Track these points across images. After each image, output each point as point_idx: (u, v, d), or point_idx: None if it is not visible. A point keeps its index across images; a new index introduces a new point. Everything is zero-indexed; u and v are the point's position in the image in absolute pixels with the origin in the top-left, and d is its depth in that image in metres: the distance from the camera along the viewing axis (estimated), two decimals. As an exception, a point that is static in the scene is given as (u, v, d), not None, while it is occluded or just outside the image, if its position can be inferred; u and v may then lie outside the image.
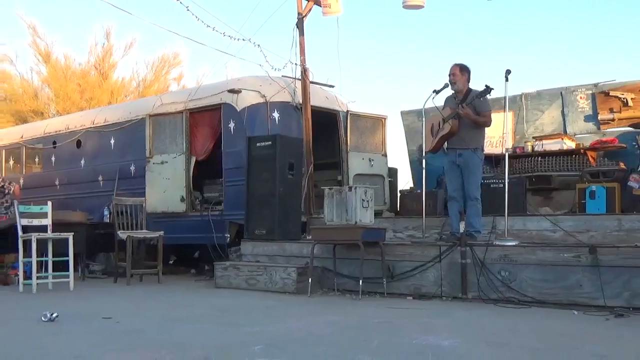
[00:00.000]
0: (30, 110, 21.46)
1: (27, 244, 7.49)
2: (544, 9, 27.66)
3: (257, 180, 8.22)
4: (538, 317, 5.27)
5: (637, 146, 8.34)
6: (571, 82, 10.39)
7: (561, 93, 10.28)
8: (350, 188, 7.09)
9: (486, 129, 7.07)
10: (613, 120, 9.55)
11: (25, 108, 21.56)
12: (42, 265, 7.64)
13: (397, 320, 5.23)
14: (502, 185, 7.19)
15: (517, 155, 9.45)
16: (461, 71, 6.87)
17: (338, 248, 7.16)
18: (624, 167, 8.35)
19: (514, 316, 5.38)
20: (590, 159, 8.98)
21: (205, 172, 9.84)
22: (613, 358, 3.66)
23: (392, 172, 11.02)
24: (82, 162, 11.34)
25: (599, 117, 9.59)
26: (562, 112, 10.25)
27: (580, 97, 10.04)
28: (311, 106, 9.41)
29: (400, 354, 3.82)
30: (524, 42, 29.02)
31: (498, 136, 9.35)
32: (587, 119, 9.98)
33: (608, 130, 9.63)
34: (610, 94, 9.50)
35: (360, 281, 6.63)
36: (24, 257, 7.55)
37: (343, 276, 7.10)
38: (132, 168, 10.23)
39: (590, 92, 9.91)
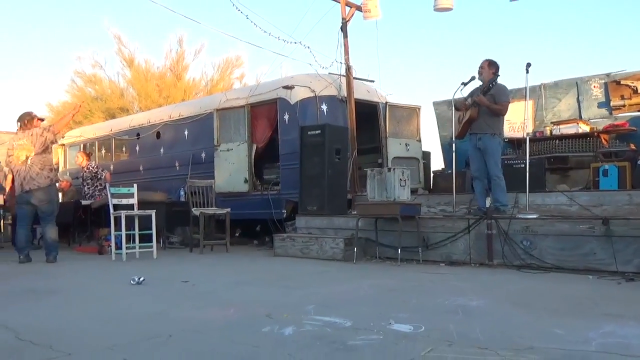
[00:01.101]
0: (118, 107, 21.94)
1: (117, 219, 7.71)
2: (562, 6, 26.86)
3: (309, 164, 8.25)
4: (556, 281, 5.19)
5: (646, 128, 8.10)
6: (585, 73, 10.12)
7: (576, 83, 10.03)
8: (389, 169, 7.06)
9: (509, 116, 6.98)
10: (624, 106, 9.31)
11: (114, 106, 22.06)
12: (130, 238, 7.83)
13: (431, 284, 5.22)
14: (523, 165, 7.07)
15: (537, 139, 9.27)
16: (489, 65, 6.78)
17: (379, 221, 7.15)
18: (634, 148, 8.13)
19: (534, 280, 5.31)
20: (603, 141, 8.78)
21: (264, 157, 9.93)
22: (625, 317, 3.57)
23: (426, 155, 10.95)
24: (161, 150, 11.57)
25: (611, 104, 9.34)
26: (578, 99, 10.01)
27: (594, 86, 9.77)
28: (354, 99, 9.39)
29: (435, 312, 3.82)
30: (543, 36, 28.29)
31: (520, 122, 9.17)
32: (600, 105, 9.73)
33: (619, 115, 9.39)
34: (621, 82, 9.24)
35: (399, 250, 6.62)
36: (115, 230, 7.79)
37: (384, 246, 7.10)
38: (203, 155, 10.38)
39: (603, 81, 9.64)
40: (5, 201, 10.54)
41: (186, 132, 10.95)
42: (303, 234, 7.95)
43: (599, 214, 6.29)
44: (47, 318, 3.88)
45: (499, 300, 4.25)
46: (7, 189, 9.25)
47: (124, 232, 7.61)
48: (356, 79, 9.76)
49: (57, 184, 8.15)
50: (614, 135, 8.88)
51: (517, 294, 4.62)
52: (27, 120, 7.57)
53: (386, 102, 10.22)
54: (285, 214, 8.88)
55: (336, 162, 8.25)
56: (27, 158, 7.32)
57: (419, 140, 10.69)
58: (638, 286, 4.83)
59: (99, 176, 10.37)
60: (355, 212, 7.70)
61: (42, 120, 7.90)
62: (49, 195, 7.46)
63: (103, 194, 9.45)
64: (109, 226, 7.91)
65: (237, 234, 10.37)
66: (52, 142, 7.68)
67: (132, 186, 8.26)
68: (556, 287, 4.87)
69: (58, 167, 9.18)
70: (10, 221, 10.78)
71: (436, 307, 4.01)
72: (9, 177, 9.14)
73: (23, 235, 7.58)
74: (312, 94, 9.16)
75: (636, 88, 8.98)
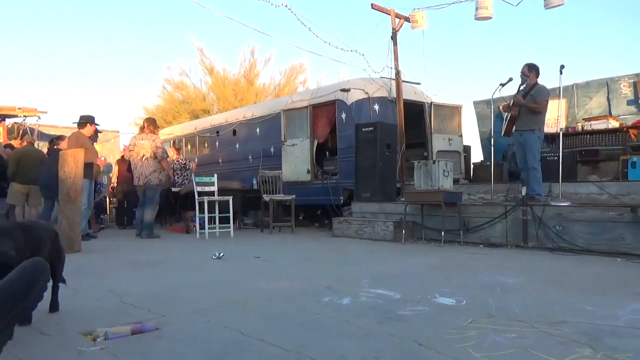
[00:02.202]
0: (201, 109, 22.47)
1: (201, 204, 7.94)
2: (594, 11, 25.54)
3: (363, 157, 8.23)
4: (586, 263, 4.99)
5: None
6: (615, 73, 9.60)
7: (607, 82, 9.55)
8: (434, 161, 6.97)
9: (545, 113, 6.74)
10: (652, 103, 8.80)
11: (197, 108, 22.61)
12: (211, 219, 8.04)
13: (471, 263, 5.12)
14: (557, 158, 6.81)
15: (570, 134, 8.92)
16: (529, 69, 6.59)
17: (425, 207, 7.07)
18: (661, 141, 7.67)
19: (566, 261, 5.12)
20: (632, 135, 8.35)
21: (324, 151, 9.97)
22: (652, 296, 3.41)
23: (467, 149, 10.72)
24: (237, 145, 11.79)
25: (640, 101, 8.84)
26: (608, 97, 9.54)
27: (624, 85, 9.28)
28: (403, 99, 9.29)
29: (475, 287, 3.76)
30: (575, 39, 27.02)
31: (553, 119, 8.80)
32: (630, 103, 9.25)
33: (648, 111, 8.88)
34: (650, 81, 8.72)
35: (442, 232, 6.53)
36: (199, 213, 8.02)
37: (429, 229, 7.02)
38: (272, 149, 10.51)
39: (632, 80, 9.14)
40: (112, 189, 11.05)
41: (258, 130, 11.11)
42: (358, 218, 7.95)
43: (628, 202, 5.99)
44: (145, 285, 4.05)
45: (534, 279, 4.13)
46: (114, 179, 9.66)
47: (206, 215, 7.84)
48: (404, 82, 9.64)
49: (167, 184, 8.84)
50: (643, 130, 8.42)
51: (550, 273, 4.47)
52: (152, 125, 8.40)
53: (431, 102, 10.05)
54: (342, 200, 8.90)
55: (387, 155, 8.19)
56: (143, 156, 8.04)
57: (461, 136, 10.45)
58: (665, 268, 4.59)
59: (187, 167, 10.71)
60: (404, 199, 7.63)
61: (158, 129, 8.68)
62: (155, 192, 8.16)
63: (189, 183, 9.74)
64: (194, 210, 8.16)
65: (300, 217, 10.47)
66: (156, 158, 8.18)
67: (213, 176, 8.48)
68: (586, 268, 4.68)
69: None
70: (116, 205, 11.25)
71: (476, 283, 3.94)
72: (115, 168, 9.55)
73: (140, 216, 8.28)
74: (365, 96, 9.12)
75: (665, 86, 8.46)
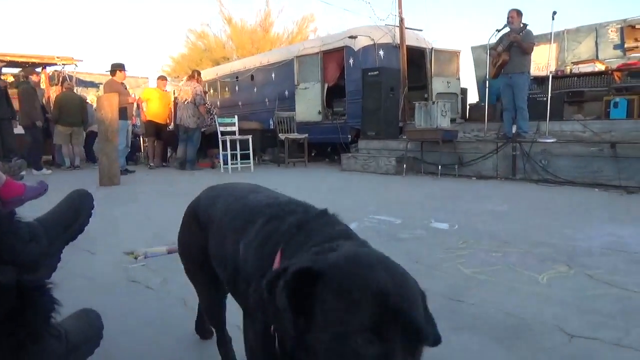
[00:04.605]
0: (221, 57, 22.01)
1: (224, 142, 7.95)
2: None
3: (369, 99, 8.09)
4: (568, 193, 4.99)
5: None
6: (605, 20, 9.14)
7: (596, 28, 9.10)
8: (433, 102, 6.86)
9: (535, 57, 6.49)
10: (637, 47, 8.39)
11: (218, 56, 22.12)
12: (233, 156, 8.08)
13: (465, 193, 5.14)
14: (545, 98, 6.64)
15: (559, 76, 8.60)
16: (517, 14, 6.27)
17: (424, 144, 7.01)
18: (644, 83, 7.39)
19: (549, 192, 5.12)
20: (616, 78, 8.03)
21: (334, 93, 9.81)
22: (624, 221, 3.42)
23: (463, 91, 10.45)
24: (255, 90, 11.61)
25: (625, 45, 8.46)
26: (596, 42, 9.13)
27: (611, 30, 8.85)
28: (406, 45, 8.98)
29: (467, 214, 3.79)
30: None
31: (544, 62, 8.50)
32: (616, 47, 8.85)
33: (632, 55, 8.49)
34: (636, 26, 8.27)
35: (439, 166, 6.52)
36: (222, 151, 8.05)
37: (427, 163, 7.00)
38: (286, 92, 10.35)
39: (620, 26, 8.69)
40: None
41: (273, 75, 10.89)
42: (363, 154, 7.93)
43: (608, 139, 5.88)
44: (177, 212, 4.12)
45: (519, 207, 4.16)
46: (144, 118, 9.53)
47: (229, 152, 7.87)
48: (407, 28, 9.27)
49: (203, 126, 8.93)
50: (626, 72, 8.08)
51: (534, 202, 4.49)
52: (197, 74, 8.83)
53: (432, 48, 9.71)
54: (350, 138, 8.84)
55: (390, 97, 8.04)
56: (185, 100, 8.42)
57: (458, 79, 10.18)
58: (637, 198, 4.57)
59: (212, 110, 10.62)
60: (405, 137, 7.57)
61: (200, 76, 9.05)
62: (194, 133, 8.48)
63: (213, 123, 9.72)
64: (218, 147, 8.20)
65: (313, 154, 10.48)
66: (194, 102, 8.44)
67: (234, 117, 8.44)
68: (567, 197, 4.69)
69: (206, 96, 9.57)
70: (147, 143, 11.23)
71: (468, 210, 3.98)
72: (144, 106, 9.38)
73: (181, 152, 8.60)
74: (371, 42, 8.83)
75: (647, 31, 8.05)
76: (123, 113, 7.23)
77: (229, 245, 1.04)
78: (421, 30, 9.91)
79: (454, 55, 10.14)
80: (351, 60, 8.92)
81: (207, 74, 14.65)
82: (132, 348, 1.54)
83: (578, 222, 3.39)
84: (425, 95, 9.40)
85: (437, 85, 9.63)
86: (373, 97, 7.99)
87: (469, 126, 8.15)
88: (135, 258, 2.60)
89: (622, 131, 6.20)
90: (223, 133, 8.06)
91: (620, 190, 4.90)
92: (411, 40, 9.33)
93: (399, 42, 8.96)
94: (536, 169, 5.80)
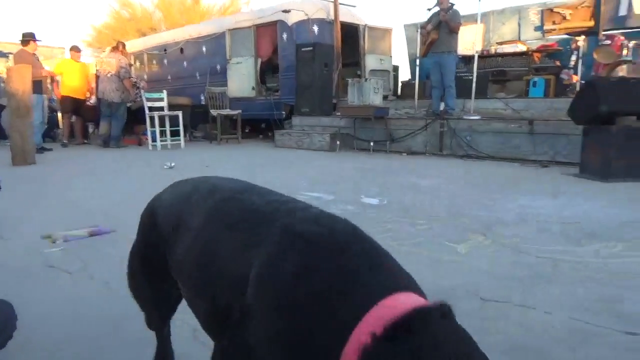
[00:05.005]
0: (148, 27, 20.88)
1: (152, 119, 7.62)
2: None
3: (303, 74, 8.05)
4: (490, 167, 5.31)
5: (570, 49, 7.85)
6: (527, 3, 9.66)
7: (519, 10, 9.60)
8: (366, 79, 6.96)
9: (462, 37, 6.76)
10: (555, 30, 8.94)
11: (144, 26, 20.95)
12: (163, 133, 7.79)
13: (395, 168, 5.32)
14: (471, 77, 6.95)
15: (484, 56, 8.97)
16: None
17: (357, 120, 7.13)
18: (559, 64, 7.96)
19: (473, 166, 5.42)
20: (536, 58, 8.55)
21: (268, 68, 9.67)
22: (538, 193, 3.71)
23: (396, 68, 10.69)
24: (185, 63, 11.15)
25: (544, 28, 8.94)
26: (519, 24, 9.62)
27: (533, 13, 9.36)
28: (340, 21, 8.98)
29: (396, 188, 3.93)
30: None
31: (471, 42, 8.85)
32: (536, 29, 9.35)
33: (550, 37, 9.04)
34: (554, 10, 8.79)
35: (371, 142, 6.68)
36: (150, 127, 7.72)
37: (360, 139, 7.14)
38: (218, 67, 10.05)
39: (540, 9, 9.21)
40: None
41: (204, 48, 10.51)
42: (298, 131, 7.93)
43: (527, 116, 6.29)
44: (99, 193, 3.95)
45: (445, 181, 4.37)
46: (57, 94, 8.90)
47: (157, 128, 7.57)
48: (341, 4, 9.26)
49: (128, 100, 8.53)
50: (545, 53, 8.64)
51: (459, 176, 4.73)
52: (121, 46, 8.44)
53: (365, 24, 9.79)
54: (284, 115, 8.79)
55: (324, 74, 8.04)
56: (108, 73, 8.03)
57: (391, 56, 10.38)
58: (550, 171, 4.95)
59: (138, 85, 10.10)
60: (339, 113, 7.65)
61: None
62: (119, 107, 8.15)
63: (139, 99, 9.28)
64: (145, 123, 7.85)
65: (246, 130, 10.32)
66: (119, 75, 8.12)
67: (162, 92, 8.10)
68: (489, 171, 4.99)
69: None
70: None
71: (397, 185, 4.12)
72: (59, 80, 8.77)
73: (104, 128, 8.26)
74: (305, 17, 8.73)
75: (565, 15, 8.58)
76: (38, 86, 6.72)
77: (228, 264, 0.75)
78: (354, 6, 9.93)
79: (386, 32, 10.29)
80: (285, 35, 8.81)
81: (133, 45, 13.84)
82: (52, 337, 1.47)
83: (496, 195, 3.63)
84: (359, 72, 9.50)
85: (371, 62, 9.76)
86: (307, 73, 7.96)
87: (401, 103, 8.37)
88: (53, 242, 2.46)
89: (539, 109, 6.64)
90: (151, 109, 7.72)
91: (536, 164, 5.29)
92: (345, 16, 9.34)
93: (333, 18, 8.94)
94: (461, 144, 6.11)
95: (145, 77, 12.02)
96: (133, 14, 21.60)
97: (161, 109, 7.81)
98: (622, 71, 6.22)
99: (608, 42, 6.73)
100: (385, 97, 8.25)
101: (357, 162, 5.93)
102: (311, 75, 7.90)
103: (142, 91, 8.41)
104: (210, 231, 0.84)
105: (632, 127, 4.33)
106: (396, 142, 6.78)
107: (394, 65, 10.50)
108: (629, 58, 6.40)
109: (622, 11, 7.50)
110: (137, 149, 8.09)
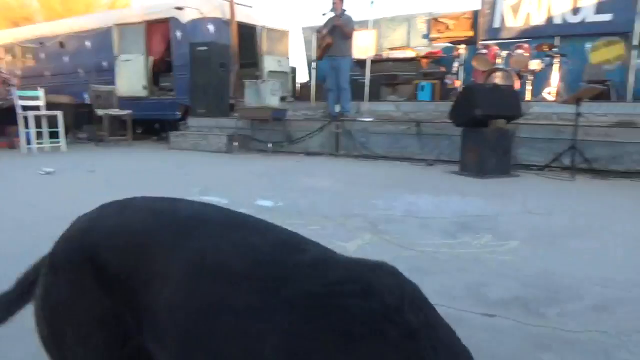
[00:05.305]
0: (21, 17, 18.87)
1: (26, 119, 6.91)
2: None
3: (198, 74, 7.82)
4: (381, 167, 5.59)
5: (452, 56, 8.53)
6: (415, 12, 10.38)
7: (408, 18, 10.24)
8: (263, 81, 6.98)
9: (356, 42, 7.03)
10: (440, 38, 9.66)
11: (17, 16, 18.93)
12: (41, 134, 7.10)
13: (291, 169, 5.38)
14: (364, 80, 7.26)
15: (377, 60, 9.42)
16: (340, 0, 6.67)
17: (255, 122, 7.11)
18: (443, 69, 8.59)
19: (367, 166, 5.66)
20: (423, 64, 9.16)
21: (161, 67, 9.25)
22: (422, 191, 3.97)
23: (294, 70, 10.83)
24: (66, 59, 10.29)
25: (430, 36, 9.65)
26: (408, 31, 10.26)
27: (420, 22, 10.04)
28: (236, 21, 8.88)
29: (292, 190, 3.98)
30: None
31: (364, 47, 9.26)
32: (424, 36, 10.04)
33: (436, 44, 9.75)
34: (439, 20, 9.51)
35: (269, 144, 6.70)
36: (25, 128, 6.99)
37: (258, 141, 7.11)
38: (105, 64, 9.41)
39: (427, 18, 9.91)
40: None
41: (88, 43, 9.78)
42: (194, 132, 7.70)
43: (415, 118, 6.71)
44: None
45: (339, 181, 4.51)
46: None
47: (32, 130, 6.89)
48: (238, 4, 9.16)
49: None
50: (431, 59, 9.31)
51: (352, 176, 4.91)
52: None
53: (263, 26, 9.79)
54: (179, 115, 8.49)
55: (221, 74, 7.89)
56: None
57: (288, 58, 10.50)
58: (434, 168, 5.35)
59: (10, 82, 9.08)
60: (236, 115, 7.56)
61: None
62: None
63: (10, 97, 8.36)
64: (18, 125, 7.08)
65: (139, 132, 9.79)
66: None
67: (38, 89, 7.37)
68: (381, 171, 5.25)
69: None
70: None
71: (293, 186, 4.18)
72: None
73: None
74: (200, 15, 8.53)
75: (448, 25, 9.32)
76: None
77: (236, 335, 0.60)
78: (251, 7, 9.88)
79: (284, 34, 10.39)
80: (178, 33, 8.50)
81: (3, 36, 12.46)
82: None
83: (386, 193, 3.84)
84: (257, 73, 9.48)
85: (269, 63, 9.78)
86: (202, 72, 7.76)
87: (299, 105, 8.50)
88: None
89: (426, 112, 7.11)
90: (25, 108, 6.99)
91: (423, 163, 5.67)
92: (242, 16, 9.25)
93: (229, 17, 8.81)
94: (356, 145, 6.36)
95: (19, 72, 10.86)
96: (3, 1, 19.42)
97: (37, 108, 7.11)
98: (497, 78, 6.89)
99: (485, 51, 7.41)
100: (283, 99, 8.32)
101: (255, 164, 5.90)
102: (207, 76, 7.71)
103: (13, 88, 7.58)
104: (206, 288, 0.65)
105: (502, 129, 4.84)
106: (294, 143, 6.86)
107: (292, 67, 10.62)
108: (502, 66, 7.11)
109: (496, 23, 8.29)
110: (9, 152, 7.28)
